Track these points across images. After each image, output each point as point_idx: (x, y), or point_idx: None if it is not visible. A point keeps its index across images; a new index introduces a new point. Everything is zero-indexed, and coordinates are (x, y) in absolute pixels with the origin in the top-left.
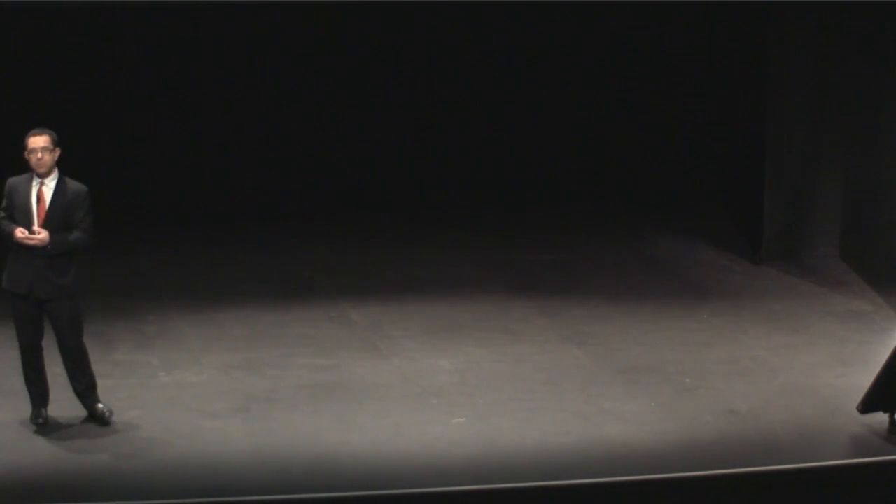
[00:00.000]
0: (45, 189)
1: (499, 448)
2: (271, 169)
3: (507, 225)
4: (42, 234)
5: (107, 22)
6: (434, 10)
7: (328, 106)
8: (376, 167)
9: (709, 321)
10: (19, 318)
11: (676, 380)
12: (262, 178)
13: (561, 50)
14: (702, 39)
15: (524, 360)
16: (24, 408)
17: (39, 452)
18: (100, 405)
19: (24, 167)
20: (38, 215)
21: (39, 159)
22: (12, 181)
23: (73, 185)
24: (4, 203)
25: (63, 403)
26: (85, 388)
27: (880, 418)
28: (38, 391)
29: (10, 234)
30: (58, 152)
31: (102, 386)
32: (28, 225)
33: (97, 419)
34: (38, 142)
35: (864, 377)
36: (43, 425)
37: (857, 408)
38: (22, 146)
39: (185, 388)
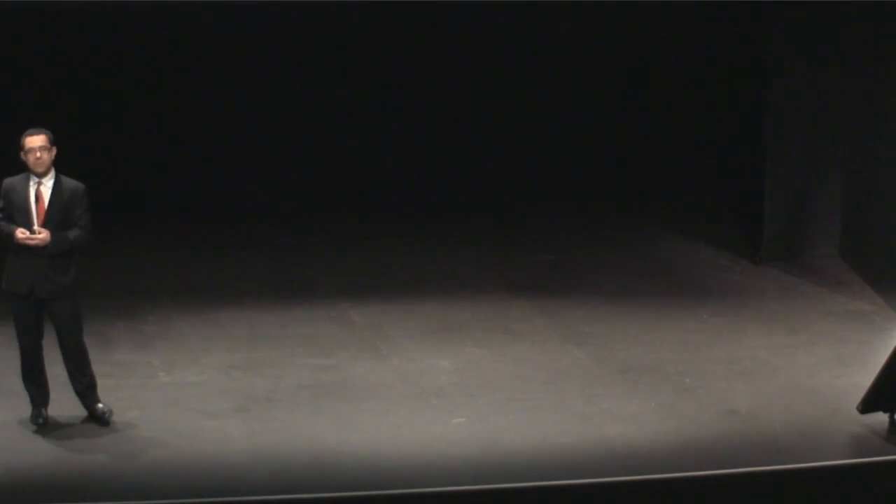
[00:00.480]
0: (43, 188)
1: (499, 448)
2: (271, 169)
3: (507, 225)
4: (43, 234)
5: (107, 22)
6: (434, 9)
7: (328, 106)
8: (376, 167)
9: (709, 321)
10: (20, 319)
11: (676, 380)
12: (261, 178)
13: (561, 50)
14: (702, 39)
15: (524, 360)
16: (24, 408)
17: (39, 452)
18: (100, 405)
19: (20, 168)
20: (38, 215)
21: (38, 159)
22: (8, 182)
23: (71, 183)
24: (1, 204)
25: (63, 403)
26: (85, 387)
27: (880, 418)
28: (38, 392)
29: (10, 235)
30: (54, 151)
31: (102, 386)
32: (27, 225)
33: (97, 419)
34: (36, 141)
35: (864, 377)
36: (43, 425)
37: (857, 408)
38: (17, 146)
39: (185, 388)
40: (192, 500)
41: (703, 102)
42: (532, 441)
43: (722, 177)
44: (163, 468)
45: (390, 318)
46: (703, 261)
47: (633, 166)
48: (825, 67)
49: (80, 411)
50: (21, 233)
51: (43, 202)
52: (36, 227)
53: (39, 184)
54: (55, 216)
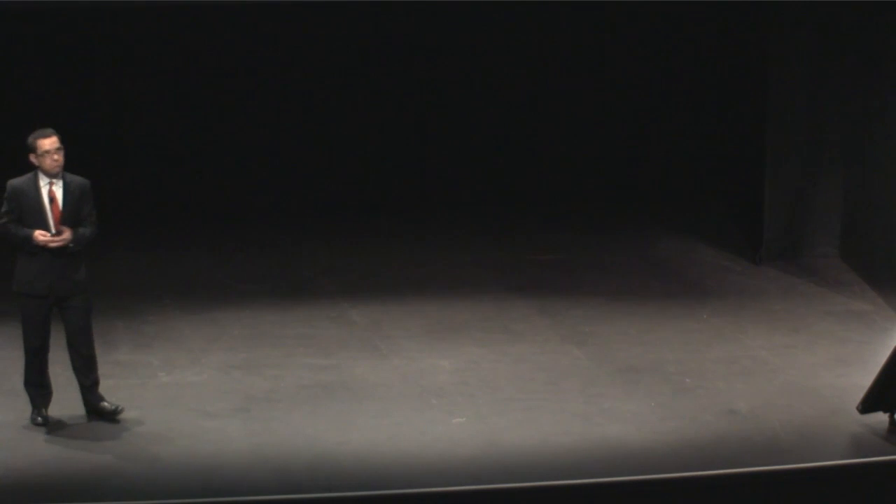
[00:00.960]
0: (55, 188)
1: (499, 448)
2: (271, 169)
3: (507, 225)
4: (66, 234)
5: (106, 22)
6: (433, 9)
7: (328, 106)
8: (376, 167)
9: (709, 321)
10: (32, 320)
11: (676, 380)
12: (262, 178)
13: (561, 51)
14: (702, 40)
15: (524, 360)
16: (24, 408)
17: (39, 452)
18: (106, 402)
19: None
20: (54, 216)
21: (55, 161)
22: (15, 184)
23: (77, 179)
24: (7, 207)
25: (63, 403)
26: (92, 383)
27: (880, 418)
28: (41, 393)
29: (28, 238)
30: (63, 150)
31: (103, 386)
32: (43, 226)
33: (106, 415)
34: (53, 143)
35: (864, 377)
36: (42, 425)
37: (857, 408)
38: (25, 148)
39: (185, 388)
40: (192, 500)
41: (703, 103)
42: (532, 441)
43: (722, 177)
44: (163, 468)
45: (390, 318)
46: (703, 261)
47: (633, 166)
48: (825, 68)
49: (80, 411)
50: (42, 235)
51: (57, 202)
52: (62, 227)
53: (51, 184)
54: (70, 215)
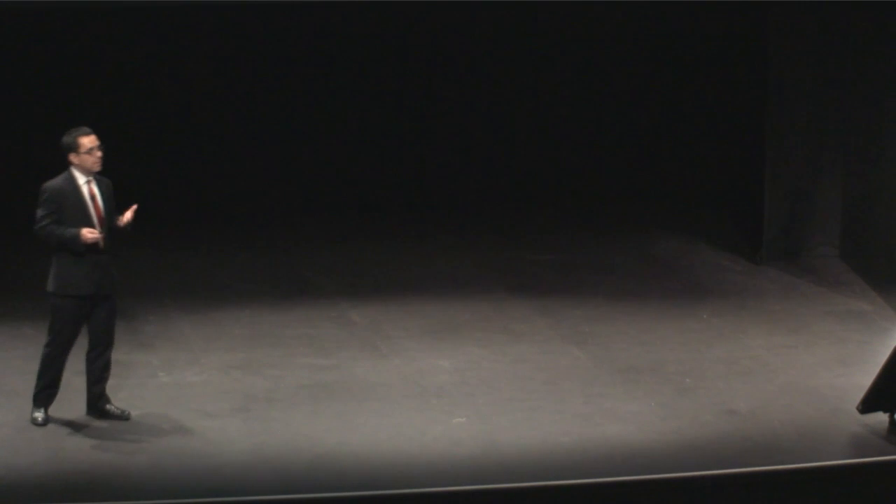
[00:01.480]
0: (93, 187)
1: (499, 448)
2: (271, 169)
3: (507, 225)
4: (125, 220)
5: (106, 22)
6: (433, 9)
7: (328, 106)
8: (376, 167)
9: (709, 321)
10: (70, 321)
11: (676, 380)
12: (261, 178)
13: (561, 50)
14: (702, 39)
15: (524, 360)
16: (24, 408)
17: (39, 452)
18: (114, 406)
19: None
20: (97, 214)
21: (98, 158)
22: (54, 186)
23: (103, 178)
24: (47, 209)
25: (63, 404)
26: (105, 383)
27: (880, 418)
28: (51, 392)
29: (75, 237)
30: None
31: None
32: (87, 225)
33: (118, 415)
34: (94, 140)
35: (864, 377)
36: (43, 425)
37: (857, 408)
38: (66, 147)
39: (185, 388)
40: (192, 500)
41: (703, 103)
42: (532, 441)
43: (722, 177)
44: (163, 468)
45: (390, 318)
46: (703, 261)
47: (634, 166)
48: (825, 67)
49: (79, 411)
50: (91, 233)
51: (98, 200)
52: (127, 216)
53: (89, 182)
54: (108, 212)
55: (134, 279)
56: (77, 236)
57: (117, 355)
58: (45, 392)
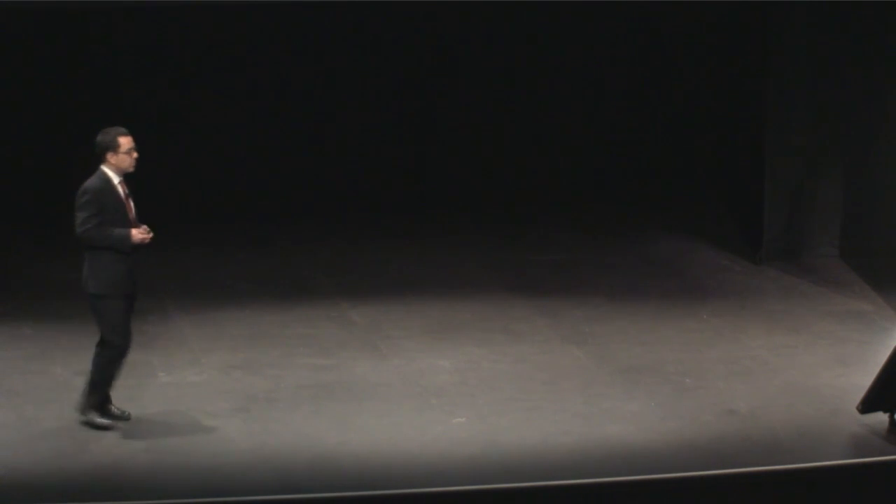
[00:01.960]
0: (125, 186)
1: (499, 448)
2: (271, 169)
3: (507, 225)
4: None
5: (106, 21)
6: (434, 9)
7: (328, 106)
8: (376, 167)
9: (709, 321)
10: (123, 321)
11: (676, 380)
12: (261, 178)
13: (561, 50)
14: (702, 39)
15: (524, 360)
16: (24, 408)
17: (39, 452)
18: (115, 406)
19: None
20: (131, 213)
21: (134, 157)
22: (95, 186)
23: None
24: (91, 210)
25: (62, 404)
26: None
27: (880, 418)
28: (108, 393)
29: (126, 237)
30: None
31: None
32: (126, 225)
33: (118, 415)
34: (131, 140)
35: (864, 377)
36: (110, 427)
37: (857, 408)
38: (103, 146)
39: (185, 388)
40: (192, 500)
41: (703, 103)
42: (532, 441)
43: (722, 177)
44: (163, 468)
45: (390, 318)
46: (703, 261)
47: (633, 166)
48: (825, 67)
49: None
50: (140, 233)
51: (130, 200)
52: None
53: (122, 182)
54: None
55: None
56: (128, 236)
57: None
58: (107, 394)
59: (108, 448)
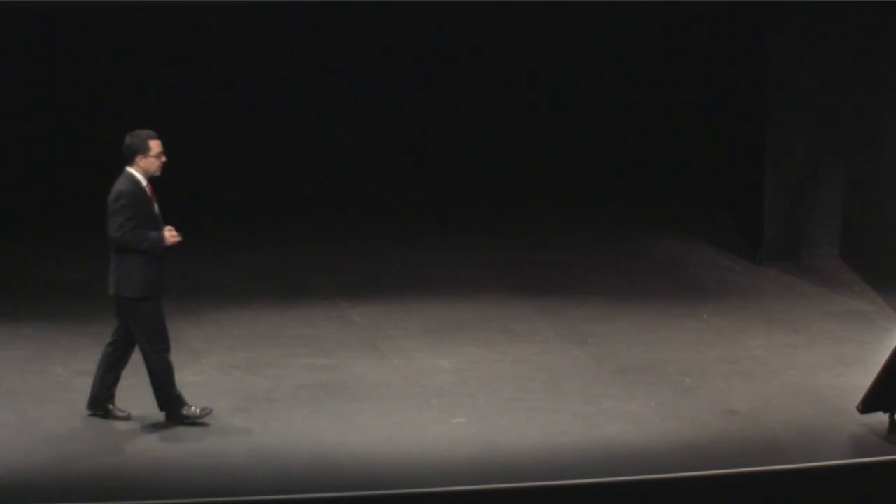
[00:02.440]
0: (151, 188)
1: (499, 448)
2: (271, 169)
3: (507, 225)
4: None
5: (107, 21)
6: (433, 9)
7: (328, 106)
8: (376, 167)
9: (709, 321)
10: (162, 321)
11: (676, 380)
12: (262, 177)
13: (561, 51)
14: (702, 40)
15: (524, 360)
16: (24, 408)
17: (39, 452)
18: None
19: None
20: (159, 215)
21: (163, 161)
22: (129, 190)
23: None
24: (128, 214)
25: (63, 403)
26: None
27: (880, 418)
28: (176, 390)
29: (161, 239)
30: None
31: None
32: (157, 226)
33: (120, 416)
34: (160, 143)
35: (864, 377)
36: (207, 415)
37: (857, 408)
38: (134, 149)
39: (185, 388)
40: (192, 500)
41: (703, 102)
42: (532, 441)
43: (722, 177)
44: (163, 468)
45: (390, 318)
46: (703, 261)
47: (634, 166)
48: (825, 68)
49: (79, 412)
50: (173, 236)
51: (155, 201)
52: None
53: (149, 184)
54: None
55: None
56: (162, 238)
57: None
58: (173, 393)
59: (108, 448)
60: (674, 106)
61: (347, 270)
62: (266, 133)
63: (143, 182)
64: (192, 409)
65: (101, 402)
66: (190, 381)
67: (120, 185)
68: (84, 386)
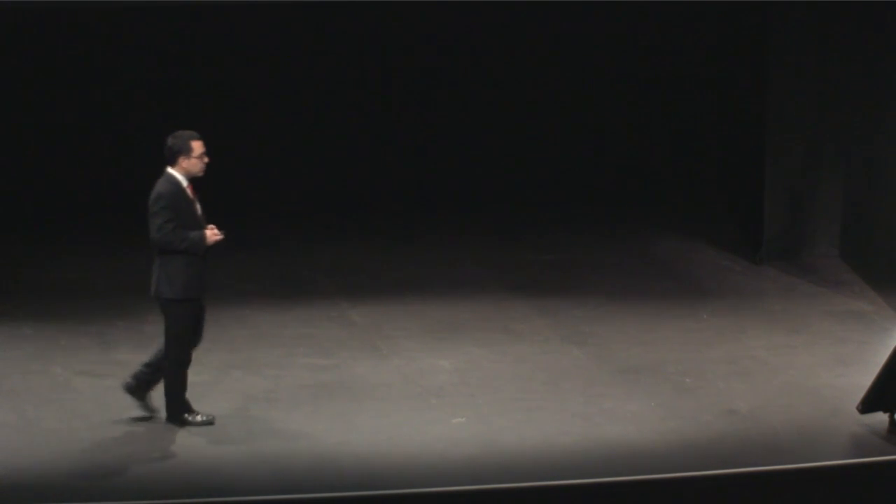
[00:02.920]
0: (192, 189)
1: (499, 448)
2: (271, 169)
3: (507, 225)
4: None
5: (106, 21)
6: (434, 9)
7: (328, 106)
8: (376, 167)
9: (709, 321)
10: (191, 324)
11: (676, 380)
12: (261, 177)
13: (561, 50)
14: (702, 39)
15: (524, 360)
16: (24, 408)
17: (39, 452)
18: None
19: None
20: (200, 215)
21: (206, 161)
22: (169, 191)
23: None
24: (168, 215)
25: (63, 403)
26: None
27: (880, 418)
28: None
29: (202, 238)
30: None
31: (103, 385)
32: (199, 227)
33: (147, 409)
34: (202, 144)
35: (864, 377)
36: (210, 422)
37: (857, 408)
38: (169, 149)
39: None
40: (192, 500)
41: (703, 102)
42: (532, 441)
43: (722, 177)
44: (163, 468)
45: (390, 318)
46: (703, 261)
47: (634, 166)
48: (825, 67)
49: (79, 412)
50: (214, 235)
51: (197, 201)
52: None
53: (190, 185)
54: None
55: (134, 279)
56: (203, 238)
57: (117, 355)
58: (183, 402)
59: (108, 448)
60: (674, 106)
61: (347, 270)
62: (266, 133)
63: (184, 183)
64: (197, 416)
65: (145, 391)
66: (190, 381)
67: (160, 186)
68: (84, 386)
